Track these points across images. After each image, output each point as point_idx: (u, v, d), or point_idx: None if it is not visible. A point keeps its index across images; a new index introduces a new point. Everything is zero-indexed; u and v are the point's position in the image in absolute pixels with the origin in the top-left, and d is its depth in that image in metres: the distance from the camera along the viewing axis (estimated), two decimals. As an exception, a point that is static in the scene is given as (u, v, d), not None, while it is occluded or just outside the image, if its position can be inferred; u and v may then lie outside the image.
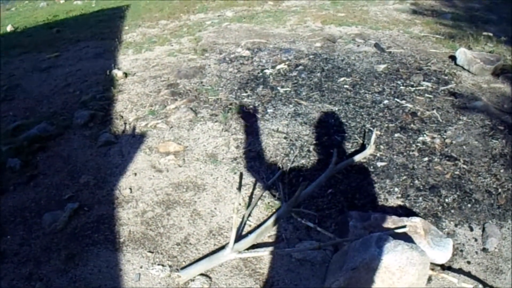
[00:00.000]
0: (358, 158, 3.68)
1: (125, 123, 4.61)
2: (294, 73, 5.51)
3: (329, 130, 4.19)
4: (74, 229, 3.21)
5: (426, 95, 4.77)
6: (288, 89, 5.08)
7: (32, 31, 10.06)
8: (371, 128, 4.11)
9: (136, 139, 4.30)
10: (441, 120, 4.25)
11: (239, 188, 3.20)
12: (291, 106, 4.67)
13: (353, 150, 3.89)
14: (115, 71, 5.89)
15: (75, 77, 6.17)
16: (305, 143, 3.99)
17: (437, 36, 6.73)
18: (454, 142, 3.90)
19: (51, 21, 10.81)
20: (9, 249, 3.09)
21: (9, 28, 10.76)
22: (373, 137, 3.86)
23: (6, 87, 6.30)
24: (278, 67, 5.69)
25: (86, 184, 3.71)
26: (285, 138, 4.09)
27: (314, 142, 4.01)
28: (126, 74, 5.87)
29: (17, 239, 3.18)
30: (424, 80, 5.13)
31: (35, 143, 4.40)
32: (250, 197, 3.40)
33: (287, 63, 5.82)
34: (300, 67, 5.69)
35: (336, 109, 4.55)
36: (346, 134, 4.11)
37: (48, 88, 5.96)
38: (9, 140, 4.55)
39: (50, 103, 5.44)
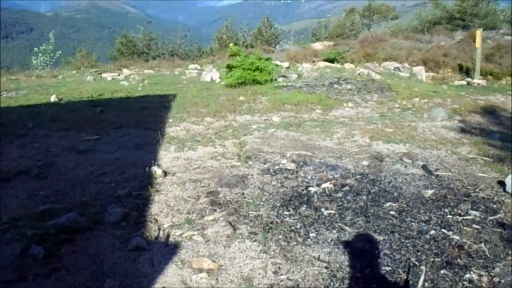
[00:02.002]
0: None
1: (159, 229, 4.57)
2: (340, 194, 5.47)
3: (372, 262, 4.07)
4: None
5: (474, 225, 4.64)
6: (332, 211, 5.02)
7: (75, 106, 10.44)
8: (416, 263, 3.97)
9: (169, 249, 4.23)
10: (488, 255, 4.09)
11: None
12: (334, 231, 4.59)
13: (396, 286, 3.74)
14: (154, 168, 5.95)
15: (113, 167, 6.27)
16: (347, 275, 3.87)
17: (486, 158, 6.71)
18: (502, 281, 3.72)
19: (96, 99, 11.23)
20: None
21: (53, 98, 11.22)
22: (422, 279, 3.72)
23: (41, 163, 6.45)
24: (324, 185, 5.67)
25: (111, 290, 3.62)
26: (326, 268, 3.97)
27: (356, 274, 3.88)
28: (165, 173, 5.92)
29: None
30: (472, 209, 5.02)
31: (62, 234, 4.37)
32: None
33: (333, 181, 5.80)
34: (346, 187, 5.65)
35: (381, 238, 4.45)
36: (390, 268, 3.97)
37: (83, 173, 6.05)
38: (35, 224, 4.56)
39: (83, 191, 5.49)
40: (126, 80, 14.77)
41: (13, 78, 17.22)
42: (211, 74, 14.80)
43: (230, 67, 12.99)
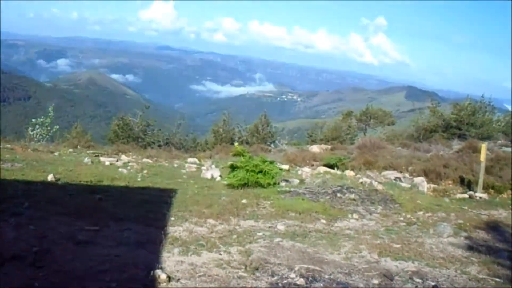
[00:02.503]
0: None
1: None
2: (353, 317, 5.30)
3: None
4: None
5: None
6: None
7: (73, 190, 10.36)
8: None
9: None
10: None
11: None
12: None
13: None
14: (158, 272, 5.78)
15: (113, 264, 6.09)
16: None
17: (496, 279, 6.65)
18: None
19: (95, 185, 11.14)
20: None
21: (50, 178, 11.17)
22: None
23: (36, 249, 6.28)
24: (336, 306, 5.51)
25: None
26: None
27: None
28: (169, 278, 5.75)
29: None
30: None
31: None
32: None
33: (345, 302, 5.65)
34: (360, 309, 5.50)
35: None
36: None
37: (82, 267, 5.88)
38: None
39: (81, 287, 5.30)
40: (124, 167, 14.72)
41: (8, 146, 17.19)
42: (212, 171, 14.82)
43: (233, 167, 12.99)
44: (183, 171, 15.70)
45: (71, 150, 19.11)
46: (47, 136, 24.11)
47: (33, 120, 24.42)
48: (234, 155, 14.12)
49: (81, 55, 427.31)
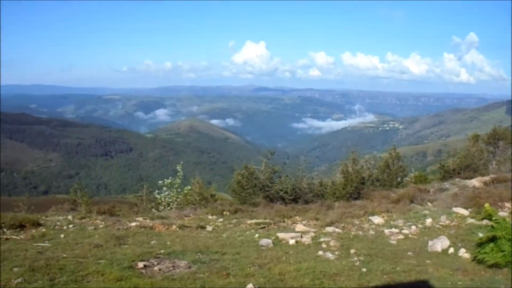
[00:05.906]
0: None
1: None
2: None
3: None
4: None
5: None
6: None
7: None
8: None
9: None
10: None
11: None
12: None
13: None
14: None
15: None
16: None
17: None
18: None
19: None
20: None
21: None
22: None
23: None
24: None
25: None
26: None
27: None
28: None
29: None
30: None
31: None
32: None
33: None
34: None
35: None
36: None
37: None
38: None
39: None
40: (317, 246, 10.66)
41: (141, 221, 13.78)
42: (439, 241, 10.81)
43: (492, 239, 8.91)
44: (392, 241, 11.54)
45: (221, 219, 15.46)
46: (177, 200, 21.41)
47: (160, 182, 22.29)
48: (483, 219, 10.36)
49: (179, 103, 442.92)
